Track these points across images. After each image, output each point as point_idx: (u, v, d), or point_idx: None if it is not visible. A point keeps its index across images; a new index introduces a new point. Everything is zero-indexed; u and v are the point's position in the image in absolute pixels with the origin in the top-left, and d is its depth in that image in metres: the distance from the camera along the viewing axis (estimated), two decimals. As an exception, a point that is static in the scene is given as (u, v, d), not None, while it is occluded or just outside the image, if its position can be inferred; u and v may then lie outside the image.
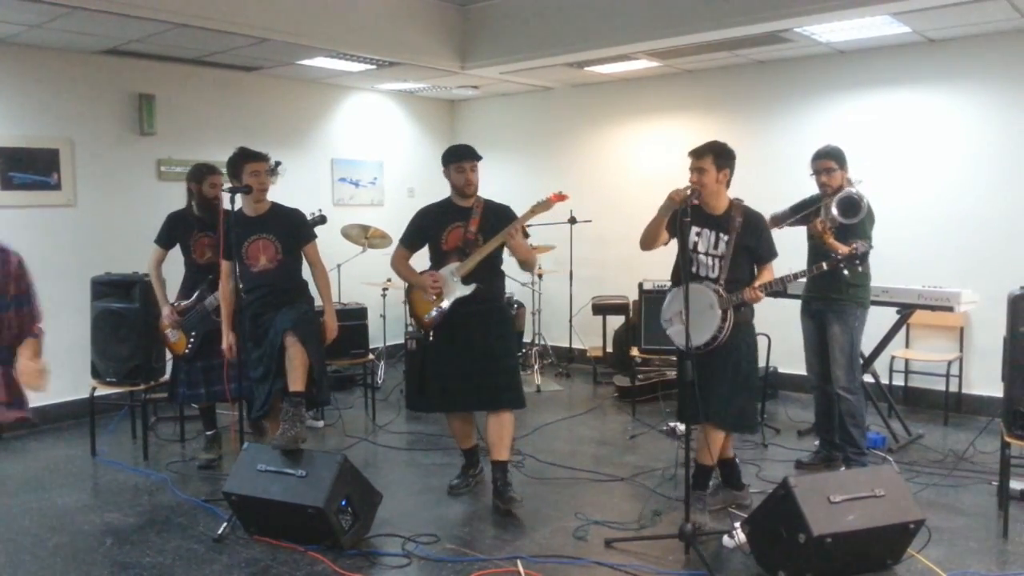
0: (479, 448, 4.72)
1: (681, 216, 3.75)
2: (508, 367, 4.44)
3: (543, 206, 4.28)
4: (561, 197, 4.34)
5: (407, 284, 4.55)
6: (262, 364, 4.50)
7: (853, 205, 4.49)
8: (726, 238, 4.00)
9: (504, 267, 4.56)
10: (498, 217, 4.36)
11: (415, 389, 4.56)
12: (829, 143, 4.77)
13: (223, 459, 5.17)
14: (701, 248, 4.05)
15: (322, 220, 5.37)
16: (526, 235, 4.34)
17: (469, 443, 4.63)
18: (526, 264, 4.42)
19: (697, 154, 4.03)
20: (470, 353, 4.32)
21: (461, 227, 4.35)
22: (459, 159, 4.35)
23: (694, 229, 4.01)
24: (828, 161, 4.66)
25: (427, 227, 4.45)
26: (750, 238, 4.03)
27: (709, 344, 3.91)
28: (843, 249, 4.14)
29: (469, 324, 4.32)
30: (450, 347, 4.35)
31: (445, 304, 4.33)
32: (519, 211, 4.37)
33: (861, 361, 5.03)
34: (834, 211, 4.50)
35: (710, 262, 4.04)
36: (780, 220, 5.01)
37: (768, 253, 4.11)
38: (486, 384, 4.33)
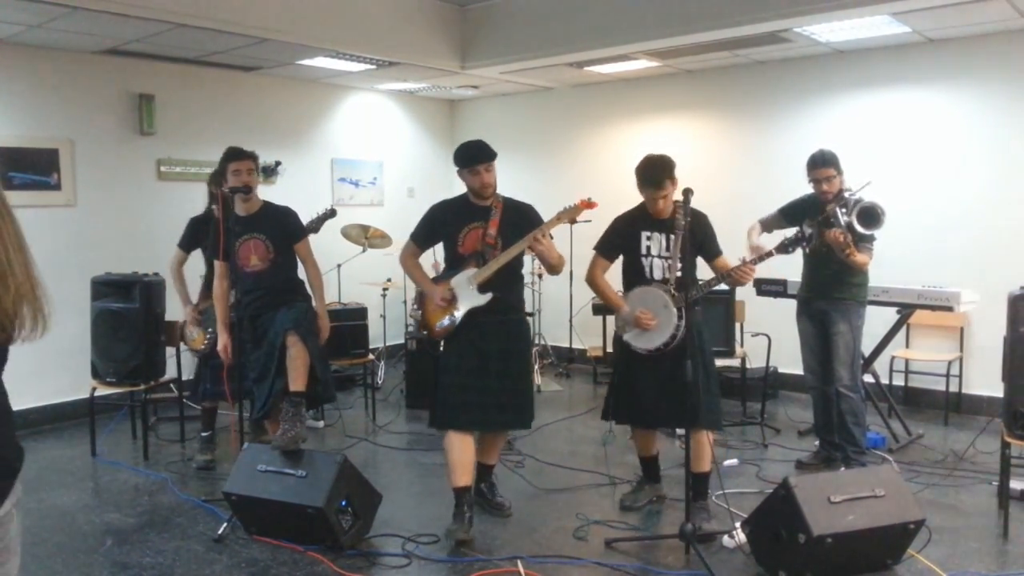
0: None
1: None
2: (526, 387, 4.17)
3: (569, 213, 3.96)
4: (590, 204, 4.00)
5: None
6: (259, 364, 4.49)
7: (874, 217, 4.46)
8: (673, 239, 4.02)
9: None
10: (520, 218, 4.04)
11: (432, 404, 4.16)
12: (823, 149, 4.73)
13: (218, 460, 5.17)
14: (654, 251, 4.08)
15: (332, 214, 5.34)
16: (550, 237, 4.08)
17: (466, 479, 3.99)
18: (555, 270, 4.11)
19: (658, 184, 3.94)
20: (489, 370, 3.97)
21: (480, 229, 4.01)
22: (471, 163, 3.98)
23: (644, 233, 4.09)
24: (828, 169, 4.63)
25: (442, 226, 4.13)
26: (699, 235, 4.03)
27: (668, 344, 3.93)
28: (847, 243, 4.33)
29: (487, 338, 3.98)
30: (466, 362, 3.99)
31: (458, 313, 3.98)
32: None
33: (861, 360, 5.03)
34: (855, 222, 4.45)
35: (663, 264, 4.07)
36: (771, 225, 5.00)
37: (717, 248, 4.12)
38: (511, 404, 4.05)
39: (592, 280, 4.26)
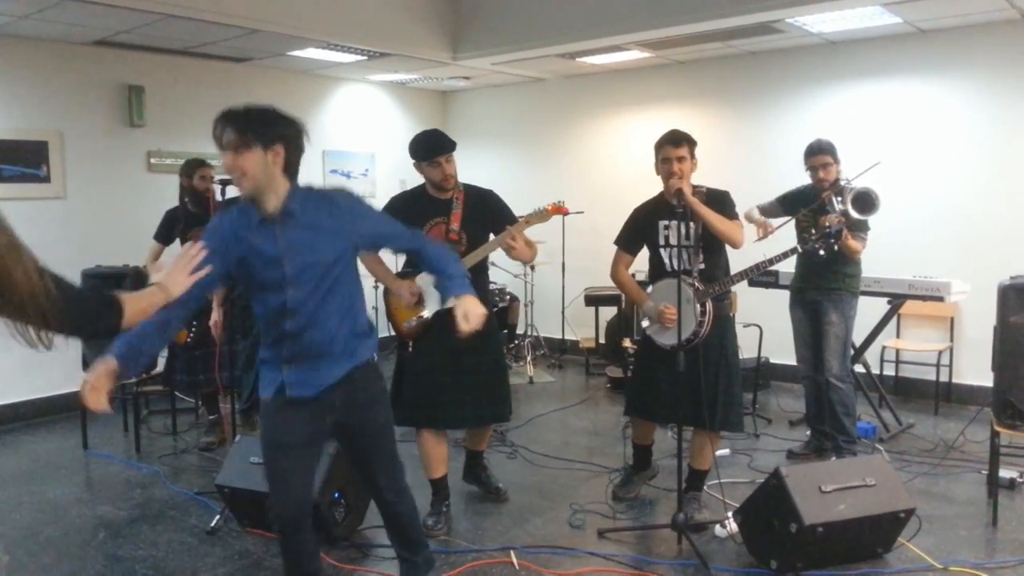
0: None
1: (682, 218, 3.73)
2: (501, 379, 4.11)
3: (539, 217, 3.88)
4: (560, 210, 3.93)
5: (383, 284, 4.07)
6: (245, 355, 4.49)
7: (869, 203, 4.47)
8: (693, 226, 3.81)
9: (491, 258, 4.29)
10: (482, 208, 3.94)
11: (396, 403, 3.94)
12: (820, 138, 4.75)
13: (223, 442, 5.21)
14: (673, 240, 3.92)
15: None
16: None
17: (442, 470, 4.07)
18: (527, 262, 4.13)
19: (675, 142, 3.86)
20: (462, 368, 3.89)
21: (442, 223, 3.89)
22: (432, 154, 3.84)
23: (662, 223, 3.96)
24: (825, 156, 4.64)
25: (403, 221, 3.91)
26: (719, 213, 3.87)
27: (691, 340, 3.76)
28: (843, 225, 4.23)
29: (458, 336, 3.96)
30: (437, 362, 3.89)
31: (426, 314, 3.87)
32: (510, 204, 4.09)
33: (852, 351, 5.04)
34: (850, 208, 4.45)
35: (684, 254, 3.89)
36: (768, 213, 5.01)
37: (734, 214, 3.94)
38: (481, 399, 3.99)
39: (615, 276, 4.16)
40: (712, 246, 3.89)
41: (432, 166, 3.86)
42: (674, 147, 3.85)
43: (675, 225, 3.85)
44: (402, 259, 4.16)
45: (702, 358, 3.74)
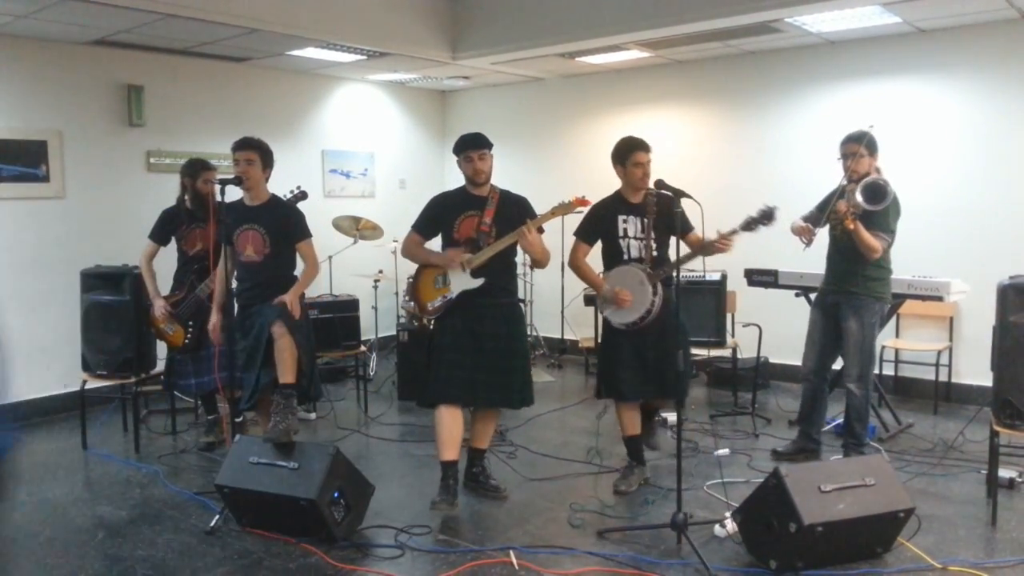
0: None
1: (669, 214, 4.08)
2: (522, 367, 4.33)
3: (564, 209, 4.12)
4: (583, 202, 4.21)
5: (417, 267, 4.37)
6: (245, 354, 4.49)
7: (879, 191, 4.41)
8: (647, 221, 4.35)
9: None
10: (514, 209, 4.23)
11: (421, 383, 4.31)
12: (861, 128, 4.65)
13: (223, 443, 5.21)
14: (631, 233, 4.37)
15: (303, 196, 5.20)
16: (540, 231, 4.19)
17: (454, 453, 4.18)
18: (539, 263, 4.30)
19: (647, 148, 4.32)
20: (481, 350, 4.16)
21: (475, 216, 4.20)
22: (465, 148, 4.20)
23: (620, 217, 4.38)
24: (854, 145, 4.55)
25: (441, 214, 4.30)
26: (667, 218, 4.17)
27: (644, 318, 4.22)
28: (847, 214, 4.38)
29: (482, 320, 4.18)
30: (459, 341, 4.17)
31: (452, 295, 4.19)
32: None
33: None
34: (859, 197, 4.40)
35: (639, 244, 4.37)
36: (813, 222, 4.94)
37: (688, 224, 4.29)
38: (499, 383, 4.20)
39: (574, 264, 4.48)
40: (662, 236, 4.36)
41: (465, 160, 4.22)
42: (646, 152, 4.32)
43: (632, 219, 4.37)
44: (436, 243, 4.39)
45: (652, 334, 4.26)
